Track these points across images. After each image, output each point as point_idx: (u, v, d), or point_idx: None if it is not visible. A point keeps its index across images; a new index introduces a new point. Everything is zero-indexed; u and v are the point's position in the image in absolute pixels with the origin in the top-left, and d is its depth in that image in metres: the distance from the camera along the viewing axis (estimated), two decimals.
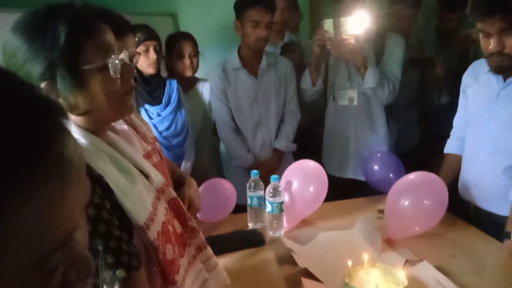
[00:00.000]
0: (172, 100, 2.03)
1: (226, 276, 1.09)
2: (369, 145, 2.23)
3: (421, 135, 2.57)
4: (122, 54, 0.83)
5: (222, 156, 2.43)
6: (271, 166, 2.19)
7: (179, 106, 2.06)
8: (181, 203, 1.00)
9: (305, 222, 1.64)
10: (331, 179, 1.73)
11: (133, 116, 1.15)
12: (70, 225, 0.34)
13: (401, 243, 1.42)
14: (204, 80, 2.31)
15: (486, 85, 1.48)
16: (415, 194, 1.43)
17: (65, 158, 0.33)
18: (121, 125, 1.04)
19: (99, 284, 0.70)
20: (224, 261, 1.34)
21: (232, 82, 2.18)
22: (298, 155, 2.18)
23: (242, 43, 2.16)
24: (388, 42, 2.17)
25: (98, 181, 0.76)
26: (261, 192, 1.59)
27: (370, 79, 2.07)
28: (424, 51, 2.54)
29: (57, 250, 0.33)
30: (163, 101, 2.01)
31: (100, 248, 0.70)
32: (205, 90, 2.29)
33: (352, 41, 1.95)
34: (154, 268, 0.85)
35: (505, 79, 1.42)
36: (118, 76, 0.81)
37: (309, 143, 2.38)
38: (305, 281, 1.19)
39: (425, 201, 1.42)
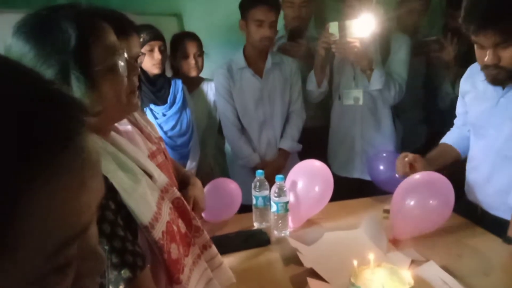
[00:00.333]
0: (177, 100, 2.04)
1: (231, 274, 1.09)
2: (375, 144, 2.22)
3: (427, 135, 2.56)
4: (125, 53, 0.84)
5: (227, 156, 2.43)
6: (277, 166, 2.19)
7: (184, 106, 2.07)
8: (185, 203, 1.00)
9: (310, 222, 1.64)
10: (337, 178, 1.73)
11: (138, 116, 1.16)
12: (88, 217, 0.35)
13: (407, 243, 1.41)
14: (209, 80, 2.31)
15: (485, 92, 1.45)
16: (421, 194, 1.42)
17: (85, 150, 0.34)
18: (124, 125, 1.04)
19: (105, 284, 0.71)
20: (229, 261, 1.34)
21: (237, 82, 2.18)
22: (303, 155, 2.17)
23: (247, 42, 2.16)
24: (393, 42, 2.16)
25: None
26: (266, 192, 1.59)
27: (376, 81, 2.07)
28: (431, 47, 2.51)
29: (74, 239, 0.34)
30: (168, 101, 2.02)
31: (106, 247, 0.71)
32: (210, 90, 2.29)
33: (357, 44, 1.95)
34: (160, 268, 0.85)
35: (503, 87, 1.39)
36: (125, 75, 0.83)
37: (314, 143, 2.37)
38: (311, 281, 1.19)
39: (431, 201, 1.40)
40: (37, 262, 0.31)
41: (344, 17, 2.04)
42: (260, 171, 1.61)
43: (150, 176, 0.90)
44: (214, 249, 1.05)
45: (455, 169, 1.70)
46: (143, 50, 1.85)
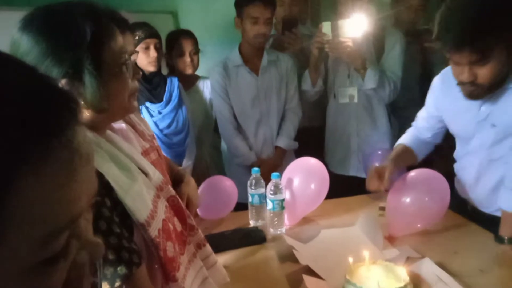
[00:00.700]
0: (173, 98, 2.03)
1: (225, 273, 1.09)
2: (371, 142, 2.23)
3: None
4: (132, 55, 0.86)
5: (223, 154, 2.43)
6: (273, 164, 2.19)
7: (180, 104, 2.06)
8: (180, 201, 1.00)
9: (306, 220, 1.64)
10: (334, 176, 1.73)
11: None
12: (78, 208, 0.36)
13: (402, 240, 1.42)
14: (205, 77, 2.31)
15: (465, 105, 1.40)
16: (416, 191, 1.43)
17: (75, 141, 0.35)
18: (119, 123, 1.04)
19: (97, 283, 0.71)
20: (225, 259, 1.34)
21: (233, 80, 2.18)
22: (300, 153, 2.18)
23: (243, 40, 2.16)
24: (387, 39, 2.17)
25: (98, 178, 0.76)
26: (262, 190, 1.59)
27: (370, 80, 2.07)
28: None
29: (63, 230, 0.34)
30: (164, 99, 2.01)
31: None
32: (206, 87, 2.29)
33: (350, 43, 1.96)
34: (156, 266, 0.85)
35: None
36: (131, 76, 0.84)
37: (311, 142, 2.38)
38: (307, 278, 1.19)
39: (426, 198, 1.41)
40: (27, 251, 0.32)
41: (338, 16, 2.04)
42: (256, 168, 1.61)
43: (145, 173, 0.90)
44: (208, 247, 1.05)
45: (445, 165, 1.70)
46: (138, 48, 1.85)
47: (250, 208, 1.62)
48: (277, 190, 1.52)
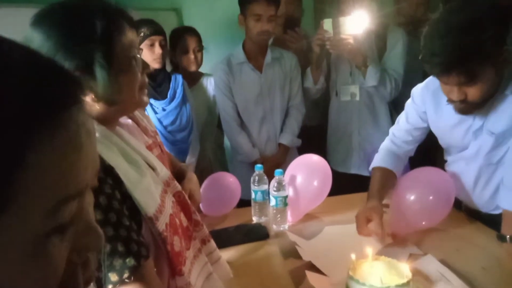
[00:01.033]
0: (177, 95, 2.04)
1: (229, 269, 1.10)
2: (372, 140, 2.23)
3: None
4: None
5: (226, 151, 2.44)
6: (276, 161, 2.20)
7: (184, 101, 2.07)
8: (186, 197, 1.01)
9: (309, 216, 1.65)
10: (336, 174, 1.74)
11: None
12: (84, 180, 0.38)
13: (405, 237, 1.42)
14: (208, 75, 2.32)
15: (458, 118, 1.38)
16: (421, 190, 1.43)
17: (81, 117, 0.37)
18: (125, 119, 1.04)
19: (101, 278, 0.72)
20: (229, 255, 1.35)
21: (237, 77, 2.19)
22: (303, 151, 2.18)
23: (247, 37, 2.17)
24: (389, 36, 2.17)
25: (109, 172, 0.77)
26: (265, 186, 1.60)
27: (371, 78, 2.08)
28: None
29: (71, 198, 0.36)
30: (168, 96, 2.02)
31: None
32: (209, 84, 2.30)
33: (351, 40, 1.97)
34: (163, 260, 0.86)
35: None
36: (140, 70, 0.86)
37: (314, 139, 2.38)
38: (309, 274, 1.20)
39: (431, 197, 1.40)
40: (37, 218, 0.33)
41: (340, 13, 2.04)
42: (259, 165, 1.62)
43: (153, 169, 0.91)
44: (212, 243, 1.06)
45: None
46: (143, 45, 1.86)
47: (253, 204, 1.63)
48: (280, 186, 1.53)
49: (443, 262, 1.23)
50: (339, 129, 2.33)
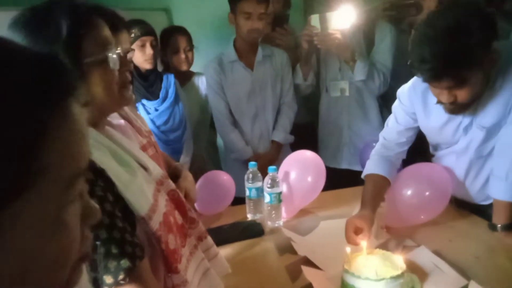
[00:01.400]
0: (169, 95, 2.04)
1: (227, 265, 1.10)
2: (363, 135, 2.25)
3: None
4: (119, 48, 0.86)
5: (220, 149, 2.44)
6: (270, 158, 2.20)
7: (176, 100, 2.07)
8: (180, 195, 1.01)
9: (303, 212, 1.66)
10: (327, 169, 1.74)
11: (127, 110, 1.16)
12: (85, 163, 0.41)
13: (398, 229, 1.44)
14: (200, 74, 2.32)
15: (447, 117, 1.39)
16: (418, 184, 1.44)
17: (77, 110, 0.40)
18: (118, 119, 1.05)
19: (98, 278, 0.72)
20: (225, 253, 1.35)
21: (228, 75, 2.19)
22: (296, 147, 2.19)
23: (237, 35, 2.17)
24: (377, 31, 2.18)
25: (100, 174, 0.77)
26: (260, 184, 1.60)
27: (359, 72, 2.09)
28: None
29: (82, 173, 0.40)
30: (160, 96, 2.02)
31: (98, 242, 0.72)
32: (201, 83, 2.30)
33: (338, 35, 1.97)
34: (158, 258, 0.87)
35: None
36: (117, 68, 0.84)
37: (306, 135, 2.39)
38: (305, 269, 1.21)
39: (427, 192, 1.42)
40: (57, 193, 0.37)
41: (328, 9, 2.05)
42: (253, 162, 1.63)
43: (145, 168, 0.91)
44: (209, 240, 1.07)
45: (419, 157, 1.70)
46: (134, 45, 1.85)
47: (248, 201, 1.63)
48: (274, 183, 1.54)
49: (436, 253, 1.25)
50: (330, 125, 2.34)
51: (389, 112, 2.33)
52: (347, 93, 2.23)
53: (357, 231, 1.30)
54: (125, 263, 0.74)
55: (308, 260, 1.27)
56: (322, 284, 1.15)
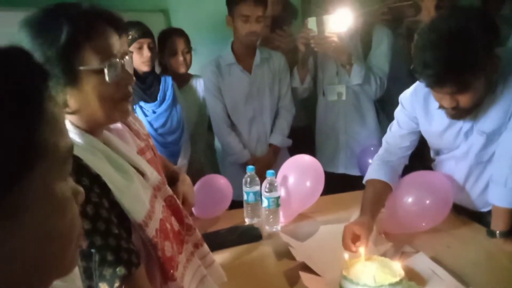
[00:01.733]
0: (167, 97, 2.03)
1: (223, 273, 1.09)
2: (359, 139, 2.25)
3: None
4: (123, 60, 0.83)
5: (217, 152, 2.43)
6: (267, 161, 2.20)
7: (174, 102, 2.06)
8: (178, 201, 1.00)
9: (301, 216, 1.65)
10: (324, 173, 1.74)
11: None
12: (70, 142, 0.46)
13: (396, 235, 1.43)
14: (198, 76, 2.31)
15: (448, 123, 1.39)
16: (419, 192, 1.44)
17: (53, 103, 0.43)
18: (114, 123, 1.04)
19: (93, 286, 0.71)
20: (222, 257, 1.35)
21: (226, 78, 2.18)
22: (293, 150, 2.19)
23: (235, 38, 2.16)
24: (374, 35, 2.17)
25: (95, 180, 0.76)
26: (257, 188, 1.59)
27: (356, 76, 2.09)
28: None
29: (71, 154, 0.45)
30: (158, 98, 2.01)
31: (93, 250, 0.71)
32: (199, 86, 2.29)
33: (335, 38, 1.97)
34: (154, 265, 0.86)
35: None
36: (115, 81, 0.81)
37: (304, 138, 2.39)
38: (303, 275, 1.20)
39: (427, 200, 1.41)
40: (56, 170, 0.41)
41: (325, 11, 2.05)
42: (250, 166, 1.62)
43: (142, 174, 0.90)
44: (205, 247, 1.06)
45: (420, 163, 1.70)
46: (132, 47, 1.84)
47: (246, 206, 1.62)
48: (272, 187, 1.53)
49: (434, 260, 1.24)
50: (326, 129, 2.34)
51: (386, 116, 2.35)
52: (344, 97, 2.23)
53: (355, 238, 1.28)
54: (120, 270, 0.73)
55: (306, 266, 1.26)
56: None
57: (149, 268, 0.84)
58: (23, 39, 0.75)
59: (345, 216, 1.59)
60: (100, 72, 0.79)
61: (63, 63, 0.75)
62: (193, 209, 1.57)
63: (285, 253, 1.36)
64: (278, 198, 1.54)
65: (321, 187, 1.64)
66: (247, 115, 2.21)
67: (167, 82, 2.06)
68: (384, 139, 1.62)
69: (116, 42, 0.83)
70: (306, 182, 1.60)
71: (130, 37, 1.84)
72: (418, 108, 1.47)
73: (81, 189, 0.48)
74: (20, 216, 0.38)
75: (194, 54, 2.23)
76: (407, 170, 1.58)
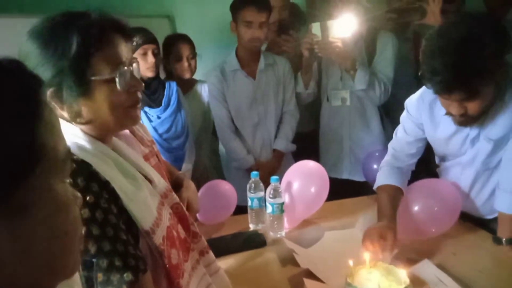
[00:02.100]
0: (171, 102, 2.04)
1: (228, 281, 1.09)
2: (363, 145, 2.24)
3: None
4: (132, 66, 0.84)
5: (222, 158, 2.43)
6: (271, 167, 2.20)
7: (178, 108, 2.07)
8: (184, 208, 1.00)
9: (306, 222, 1.65)
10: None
11: None
12: (67, 144, 0.49)
13: (401, 242, 1.42)
14: (203, 81, 2.32)
15: (455, 129, 1.39)
16: (427, 200, 1.43)
17: (49, 108, 0.45)
18: None
19: None
20: (226, 263, 1.35)
21: (230, 84, 2.19)
22: (298, 156, 2.19)
23: (239, 44, 2.17)
24: (379, 40, 2.17)
25: (105, 186, 0.77)
26: (262, 193, 1.59)
27: (360, 81, 2.09)
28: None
29: (70, 154, 0.48)
30: (163, 104, 2.01)
31: (94, 260, 0.71)
32: (204, 91, 2.30)
33: (339, 44, 1.97)
34: (160, 273, 0.86)
35: None
36: (125, 89, 0.83)
37: (308, 144, 2.39)
38: (307, 282, 1.20)
39: (436, 208, 1.40)
40: (57, 170, 0.44)
41: (330, 17, 2.05)
42: (255, 172, 1.62)
43: (150, 181, 0.91)
44: (211, 255, 1.06)
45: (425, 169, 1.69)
46: (136, 53, 1.85)
47: (250, 211, 1.62)
48: (276, 193, 1.53)
49: (440, 267, 1.24)
50: (330, 134, 2.33)
51: (390, 122, 2.34)
52: (348, 103, 2.22)
53: (376, 242, 1.27)
54: (128, 276, 0.74)
55: (311, 272, 1.26)
56: None
57: (155, 276, 0.84)
58: (31, 50, 0.75)
59: (349, 222, 1.59)
60: (111, 81, 0.81)
61: (76, 74, 0.76)
62: (197, 215, 1.57)
63: (289, 260, 1.36)
64: (282, 204, 1.54)
65: (326, 193, 1.63)
66: (251, 121, 2.22)
67: (172, 88, 2.07)
68: (390, 145, 1.62)
69: (124, 50, 0.84)
70: (310, 188, 1.60)
71: (134, 43, 1.85)
72: (424, 114, 1.46)
73: (78, 194, 0.49)
74: (26, 215, 0.40)
75: (198, 59, 2.24)
76: (412, 175, 1.58)
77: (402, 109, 1.70)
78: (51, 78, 0.75)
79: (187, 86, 2.27)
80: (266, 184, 1.58)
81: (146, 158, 1.06)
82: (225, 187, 1.72)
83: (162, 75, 2.19)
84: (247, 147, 2.23)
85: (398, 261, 1.27)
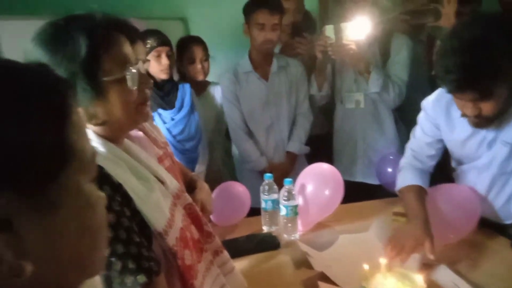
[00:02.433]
0: (185, 104, 2.04)
1: (243, 279, 1.09)
2: (377, 148, 2.22)
3: None
4: (139, 64, 0.85)
5: (235, 159, 2.43)
6: (285, 169, 2.19)
7: (192, 110, 2.07)
8: (197, 209, 1.00)
9: (320, 225, 1.63)
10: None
11: None
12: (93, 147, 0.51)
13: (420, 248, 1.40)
14: (216, 83, 2.32)
15: (472, 131, 1.37)
16: (444, 206, 1.41)
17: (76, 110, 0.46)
18: (136, 131, 1.05)
19: None
20: (240, 265, 1.34)
21: (243, 86, 2.19)
22: (311, 158, 2.17)
23: (252, 46, 2.17)
24: (393, 43, 2.15)
25: (117, 189, 0.77)
26: (275, 196, 1.59)
27: (373, 83, 2.07)
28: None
29: (95, 155, 0.49)
30: (176, 105, 2.02)
31: (112, 259, 0.72)
32: (217, 93, 2.30)
33: (353, 46, 1.96)
34: (174, 274, 0.86)
35: None
36: (135, 87, 0.84)
37: (322, 146, 2.37)
38: (322, 285, 1.19)
39: (453, 214, 1.38)
40: (85, 169, 0.45)
41: (343, 19, 2.04)
42: (268, 174, 1.61)
43: (162, 182, 0.91)
44: (226, 254, 1.05)
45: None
46: (150, 56, 1.86)
47: (263, 213, 1.62)
48: (290, 196, 1.52)
49: (457, 272, 1.21)
50: (344, 137, 2.32)
51: (405, 125, 2.32)
52: (362, 105, 2.21)
53: (408, 248, 1.25)
54: (141, 278, 0.74)
55: (325, 275, 1.24)
56: None
57: (169, 277, 0.84)
58: (40, 57, 0.76)
59: (364, 226, 1.57)
60: (122, 80, 0.82)
61: (88, 77, 0.77)
62: (211, 216, 1.57)
63: (303, 262, 1.35)
64: (296, 206, 1.53)
65: (340, 196, 1.62)
66: (264, 123, 2.21)
67: (185, 89, 2.07)
68: (408, 147, 1.60)
69: (130, 48, 0.85)
70: (324, 191, 1.59)
71: (148, 45, 1.86)
72: (440, 115, 1.45)
73: (103, 194, 0.50)
74: (57, 212, 0.41)
75: (212, 61, 2.24)
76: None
77: (416, 111, 1.68)
78: None
79: (200, 88, 2.27)
80: (280, 186, 1.57)
81: (160, 159, 1.07)
82: (239, 189, 1.72)
83: (176, 77, 2.20)
84: (260, 149, 2.22)
85: (414, 266, 1.26)
